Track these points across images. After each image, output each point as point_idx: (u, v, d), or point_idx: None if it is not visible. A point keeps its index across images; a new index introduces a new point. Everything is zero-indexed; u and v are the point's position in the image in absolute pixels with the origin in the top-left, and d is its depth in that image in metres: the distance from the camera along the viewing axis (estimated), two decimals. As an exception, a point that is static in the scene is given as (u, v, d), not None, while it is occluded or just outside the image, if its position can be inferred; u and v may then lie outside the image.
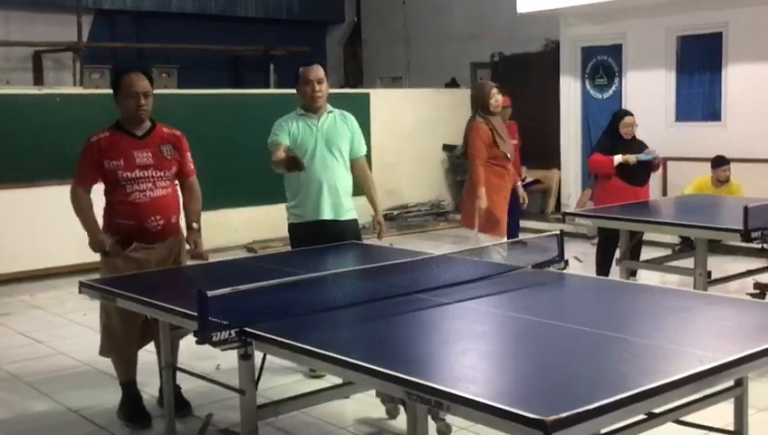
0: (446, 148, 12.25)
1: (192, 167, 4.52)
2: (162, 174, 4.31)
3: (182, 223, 4.57)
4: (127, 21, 13.74)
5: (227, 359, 4.20)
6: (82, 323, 6.47)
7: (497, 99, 6.22)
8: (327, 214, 4.88)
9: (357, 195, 5.11)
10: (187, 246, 4.54)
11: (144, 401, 4.55)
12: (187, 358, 4.55)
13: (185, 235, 4.53)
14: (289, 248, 5.12)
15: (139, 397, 4.54)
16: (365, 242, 5.06)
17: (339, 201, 4.90)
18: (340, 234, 4.86)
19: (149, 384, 4.72)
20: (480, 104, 6.27)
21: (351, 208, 5.02)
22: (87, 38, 12.90)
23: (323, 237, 4.80)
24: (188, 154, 4.48)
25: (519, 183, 7.34)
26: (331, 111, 4.99)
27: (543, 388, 2.36)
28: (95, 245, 4.30)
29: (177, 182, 4.50)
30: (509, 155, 6.50)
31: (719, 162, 8.14)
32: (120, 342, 4.40)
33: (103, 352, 4.51)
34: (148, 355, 4.62)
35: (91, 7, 13.18)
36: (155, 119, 4.41)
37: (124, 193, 4.24)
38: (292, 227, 5.01)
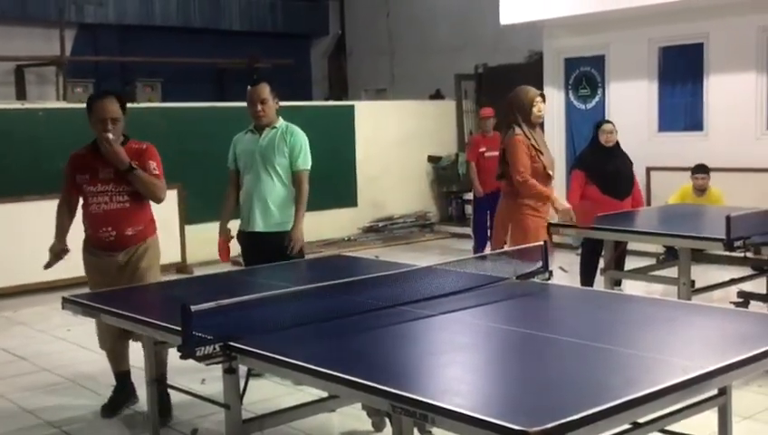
0: (432, 159, 12.28)
1: (156, 173, 4.61)
2: (121, 189, 4.53)
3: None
4: (110, 34, 13.71)
5: (213, 373, 4.18)
6: (66, 338, 6.43)
7: (540, 108, 5.32)
8: (258, 226, 5.16)
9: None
10: None
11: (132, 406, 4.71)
12: (173, 371, 4.52)
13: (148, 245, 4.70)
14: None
15: (121, 390, 4.75)
16: (349, 254, 5.06)
17: (269, 214, 5.14)
18: (272, 246, 5.08)
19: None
20: (521, 113, 5.29)
21: (286, 222, 5.16)
22: (70, 52, 12.87)
23: (256, 247, 5.15)
24: (152, 163, 4.61)
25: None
26: (275, 127, 5.20)
27: (528, 399, 2.37)
28: (50, 250, 4.68)
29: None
30: (550, 171, 5.40)
31: (695, 170, 8.25)
32: (106, 338, 4.66)
33: (100, 345, 4.79)
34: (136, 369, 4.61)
35: (73, 21, 13.15)
36: (129, 135, 4.66)
37: (87, 205, 4.60)
38: (238, 232, 5.34)
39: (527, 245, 4.67)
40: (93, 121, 4.52)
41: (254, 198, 5.14)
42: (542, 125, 5.65)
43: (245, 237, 5.26)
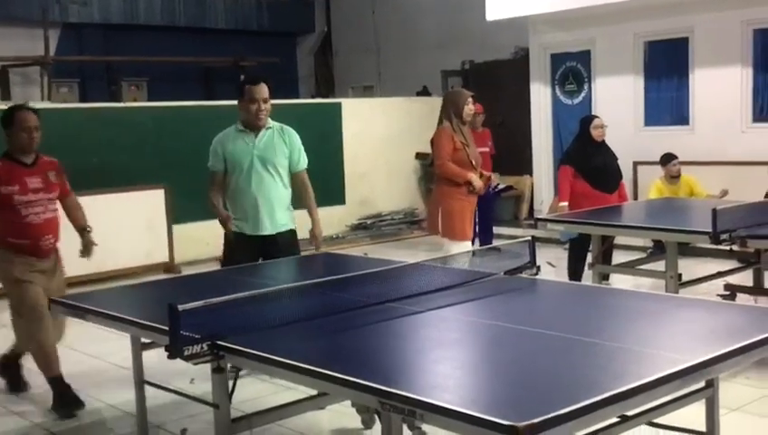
0: (419, 156, 12.27)
1: (69, 187, 5.04)
2: (51, 197, 4.82)
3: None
4: (95, 34, 13.64)
5: (202, 372, 4.17)
6: (54, 339, 6.38)
7: (471, 108, 6.09)
8: (266, 229, 5.05)
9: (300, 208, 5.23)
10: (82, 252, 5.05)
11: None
12: (162, 372, 4.50)
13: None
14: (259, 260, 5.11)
15: (65, 393, 4.82)
16: (337, 252, 5.06)
17: (275, 216, 5.07)
18: (276, 246, 5.03)
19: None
20: (454, 111, 6.02)
21: (288, 221, 5.14)
22: (54, 52, 12.80)
23: (262, 251, 5.04)
24: (65, 176, 5.00)
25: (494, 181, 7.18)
26: (269, 127, 5.11)
27: (516, 394, 2.37)
28: None
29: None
30: (474, 162, 6.12)
31: (668, 158, 8.33)
32: (48, 334, 4.83)
33: (22, 347, 5.08)
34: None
35: (57, 20, 13.08)
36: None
37: (19, 215, 4.69)
38: (233, 235, 5.07)
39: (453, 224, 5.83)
40: (16, 131, 4.75)
41: (258, 201, 5.00)
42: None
43: (246, 241, 5.05)
